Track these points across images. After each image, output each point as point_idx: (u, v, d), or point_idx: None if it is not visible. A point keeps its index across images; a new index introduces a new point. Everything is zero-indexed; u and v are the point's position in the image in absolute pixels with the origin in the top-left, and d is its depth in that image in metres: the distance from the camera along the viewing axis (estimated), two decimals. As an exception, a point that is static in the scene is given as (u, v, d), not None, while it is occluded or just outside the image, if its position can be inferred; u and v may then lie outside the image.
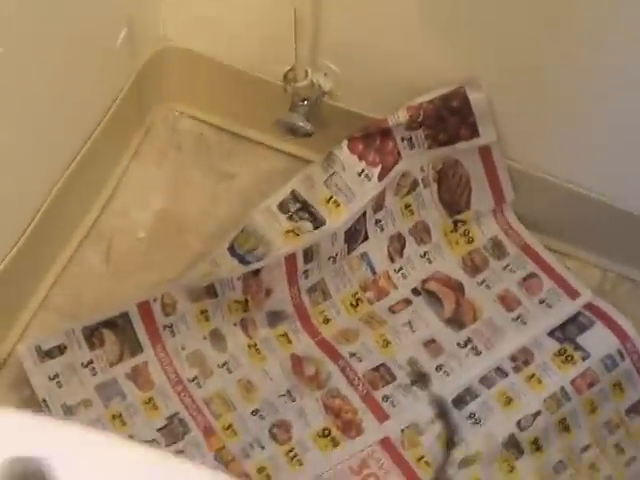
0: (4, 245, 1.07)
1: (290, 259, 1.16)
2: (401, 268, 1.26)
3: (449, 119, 1.19)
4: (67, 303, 1.18)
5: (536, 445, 1.16)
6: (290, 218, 1.16)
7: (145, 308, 1.13)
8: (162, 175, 1.29)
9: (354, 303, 1.23)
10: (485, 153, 1.23)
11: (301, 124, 1.21)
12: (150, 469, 0.55)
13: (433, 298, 1.26)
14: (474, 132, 1.20)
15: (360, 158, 1.18)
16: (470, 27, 1.10)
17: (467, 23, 1.09)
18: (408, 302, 1.25)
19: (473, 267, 1.29)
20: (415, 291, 1.26)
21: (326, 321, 1.21)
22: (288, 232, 1.16)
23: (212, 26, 1.23)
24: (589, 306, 1.25)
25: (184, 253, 1.24)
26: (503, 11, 1.06)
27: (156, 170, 1.30)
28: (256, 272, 1.15)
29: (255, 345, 1.19)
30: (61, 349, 1.11)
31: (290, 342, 1.20)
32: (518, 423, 1.15)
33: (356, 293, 1.24)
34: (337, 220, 1.17)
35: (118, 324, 1.13)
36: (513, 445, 1.15)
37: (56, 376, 1.11)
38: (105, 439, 0.54)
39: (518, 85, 1.16)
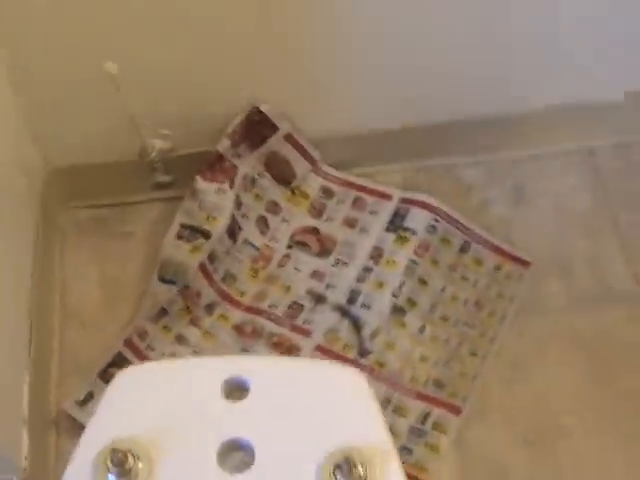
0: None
1: (202, 266, 1.64)
2: (272, 236, 1.76)
3: (256, 129, 1.69)
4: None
5: (411, 302, 1.68)
6: (188, 241, 1.65)
7: (129, 343, 1.60)
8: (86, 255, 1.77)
9: (254, 274, 1.71)
10: (289, 138, 1.74)
11: (163, 179, 1.71)
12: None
13: (301, 245, 1.74)
14: (275, 129, 1.72)
15: (212, 181, 1.67)
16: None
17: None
18: (287, 256, 1.74)
19: (317, 212, 1.78)
20: (288, 246, 1.75)
21: (242, 294, 1.68)
22: (191, 251, 1.65)
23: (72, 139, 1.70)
24: (401, 200, 1.77)
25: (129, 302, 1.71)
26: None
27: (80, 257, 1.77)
28: (185, 287, 1.63)
29: (207, 331, 1.65)
30: (91, 394, 1.59)
31: (227, 319, 1.65)
32: (393, 295, 1.67)
33: (252, 267, 1.72)
34: (217, 228, 1.65)
35: (116, 361, 1.61)
36: (397, 309, 1.65)
37: (95, 413, 1.58)
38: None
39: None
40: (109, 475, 0.97)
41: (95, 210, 1.79)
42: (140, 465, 0.97)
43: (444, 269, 1.72)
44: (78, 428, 1.54)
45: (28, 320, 1.49)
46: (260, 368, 1.06)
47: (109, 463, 0.96)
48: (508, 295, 1.71)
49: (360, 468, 0.94)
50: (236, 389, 1.03)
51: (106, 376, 1.57)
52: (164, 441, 0.99)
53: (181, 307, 1.62)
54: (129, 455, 0.96)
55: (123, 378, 1.05)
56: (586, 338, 1.68)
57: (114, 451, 0.95)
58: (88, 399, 1.56)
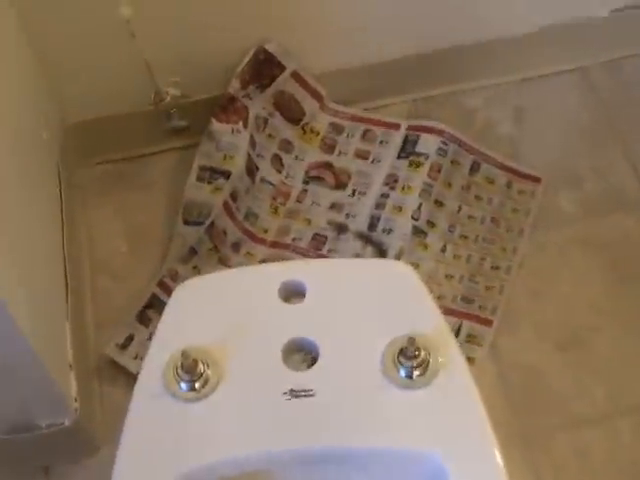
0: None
1: (225, 205, 1.67)
2: (288, 174, 1.79)
3: (264, 68, 1.72)
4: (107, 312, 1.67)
5: (430, 224, 1.71)
6: (209, 182, 1.68)
7: (162, 284, 1.63)
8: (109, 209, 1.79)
9: (274, 211, 1.74)
10: (295, 76, 1.77)
11: (178, 123, 1.74)
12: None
13: (317, 179, 1.78)
14: (282, 68, 1.75)
15: (226, 122, 1.70)
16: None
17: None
18: (305, 191, 1.77)
19: (328, 148, 1.81)
20: (305, 182, 1.79)
21: (265, 231, 1.71)
22: (213, 191, 1.68)
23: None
24: (409, 128, 1.81)
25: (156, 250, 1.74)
26: None
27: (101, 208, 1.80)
28: (211, 225, 1.66)
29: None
30: (131, 337, 1.61)
31: (253, 255, 1.68)
32: (412, 217, 1.70)
33: (272, 204, 1.75)
34: (236, 167, 1.68)
35: (152, 303, 1.64)
36: (418, 231, 1.69)
37: (137, 356, 1.61)
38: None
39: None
40: (181, 383, 0.99)
41: (113, 165, 1.81)
42: (209, 371, 1.00)
43: (457, 190, 1.76)
44: (120, 373, 1.57)
45: (63, 268, 1.51)
46: (313, 270, 1.09)
47: (180, 371, 0.99)
48: (523, 210, 1.75)
49: (423, 352, 0.98)
50: (293, 293, 1.07)
51: (144, 318, 1.60)
52: (230, 346, 1.03)
53: (209, 247, 1.65)
54: (199, 362, 0.99)
55: (182, 291, 1.08)
56: (604, 244, 1.72)
57: (185, 358, 0.98)
58: (128, 342, 1.59)
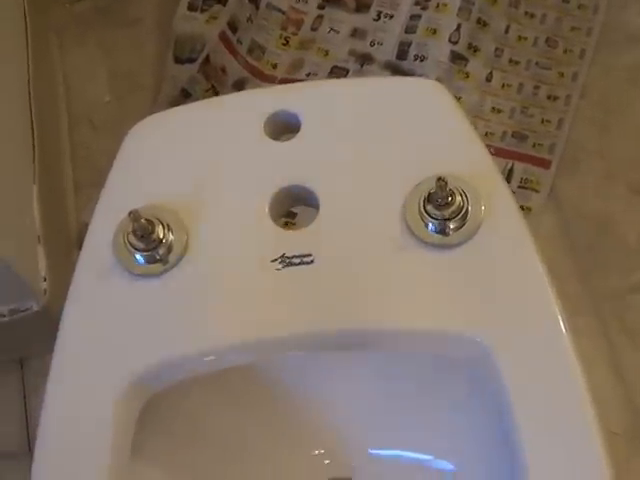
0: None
1: (222, 36, 1.39)
2: (299, -4, 1.51)
3: None
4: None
5: (472, 48, 1.43)
6: (202, 10, 1.41)
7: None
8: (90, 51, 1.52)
9: (284, 42, 1.47)
10: None
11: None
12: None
13: (335, 2, 1.48)
14: None
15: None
16: None
17: None
18: (320, 17, 1.49)
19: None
20: (320, 7, 1.49)
21: (274, 66, 1.45)
22: (208, 20, 1.40)
23: None
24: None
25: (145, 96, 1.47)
26: None
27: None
28: (206, 61, 1.39)
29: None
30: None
31: None
32: (450, 41, 1.41)
33: (281, 35, 1.47)
34: (235, -11, 1.41)
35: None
36: (457, 57, 1.41)
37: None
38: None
39: None
40: (136, 254, 0.74)
41: (91, 1, 1.53)
42: (172, 236, 0.74)
43: (504, 6, 1.47)
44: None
45: (29, 123, 1.24)
46: (310, 95, 0.82)
47: (132, 238, 0.73)
48: (584, 28, 1.46)
49: (459, 198, 0.71)
50: (284, 127, 0.80)
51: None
52: (200, 202, 0.77)
53: (205, 87, 1.39)
54: (156, 225, 0.73)
55: (136, 135, 0.81)
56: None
57: (135, 220, 0.72)
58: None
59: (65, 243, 1.31)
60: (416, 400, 0.80)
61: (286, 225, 0.78)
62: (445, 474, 0.82)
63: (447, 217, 0.71)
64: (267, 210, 0.76)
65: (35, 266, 1.16)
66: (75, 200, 1.38)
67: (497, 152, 1.35)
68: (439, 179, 0.69)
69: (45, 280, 1.17)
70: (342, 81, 1.21)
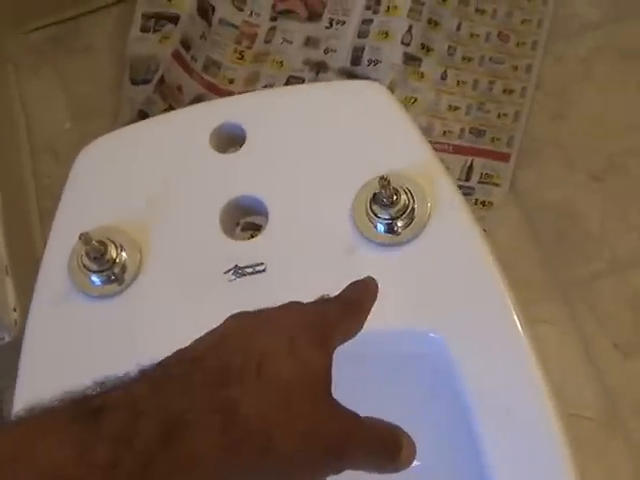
0: None
1: (176, 55, 1.39)
2: (251, 11, 1.51)
3: None
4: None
5: (425, 48, 1.43)
6: (154, 31, 1.41)
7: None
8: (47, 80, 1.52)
9: (239, 56, 1.47)
10: None
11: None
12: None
13: (286, 13, 1.49)
14: None
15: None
16: None
17: None
18: (273, 28, 1.49)
19: (296, -24, 1.53)
20: (272, 18, 1.50)
21: (231, 81, 1.45)
22: (160, 40, 1.40)
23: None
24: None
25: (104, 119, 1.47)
26: None
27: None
28: (162, 81, 1.39)
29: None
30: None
31: None
32: (402, 42, 1.42)
33: (235, 49, 1.47)
34: (185, 8, 1.41)
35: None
36: (410, 58, 1.41)
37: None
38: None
39: None
40: (91, 276, 0.74)
41: (45, 31, 1.55)
42: (125, 256, 0.75)
43: (454, 5, 1.48)
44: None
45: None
46: (252, 105, 0.83)
47: (85, 260, 0.74)
48: (535, 20, 1.46)
49: (404, 196, 0.71)
50: (229, 139, 0.80)
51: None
52: (151, 220, 0.77)
53: (162, 107, 1.39)
54: (109, 245, 0.74)
55: (85, 158, 0.82)
56: (634, 51, 1.42)
57: (86, 243, 0.72)
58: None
59: (34, 273, 1.30)
60: (381, 395, 0.81)
61: (252, 238, 0.78)
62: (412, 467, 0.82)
63: (394, 216, 0.72)
64: (218, 223, 0.76)
65: (4, 298, 1.16)
66: (41, 229, 1.38)
67: (456, 149, 1.35)
68: (381, 178, 0.70)
69: (15, 310, 1.17)
70: (284, 89, 1.22)
